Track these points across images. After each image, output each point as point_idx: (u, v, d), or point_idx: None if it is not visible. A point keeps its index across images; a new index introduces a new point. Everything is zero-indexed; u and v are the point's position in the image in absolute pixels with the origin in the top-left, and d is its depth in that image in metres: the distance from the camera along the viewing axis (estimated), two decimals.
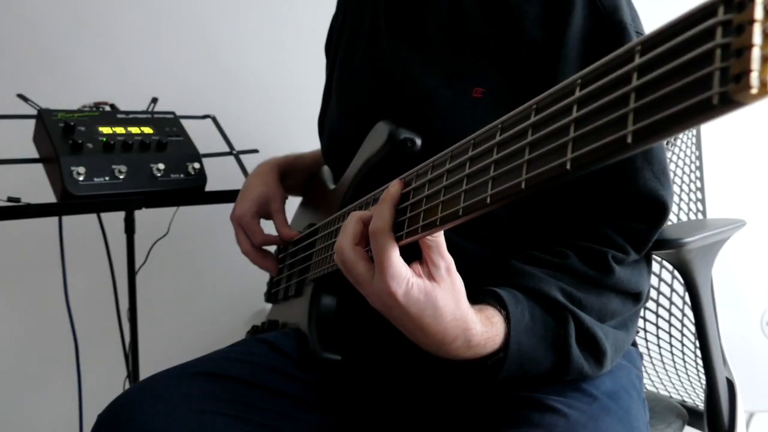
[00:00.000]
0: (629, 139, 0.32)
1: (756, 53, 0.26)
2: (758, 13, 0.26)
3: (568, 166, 0.35)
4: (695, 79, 0.28)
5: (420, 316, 0.54)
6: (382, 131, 0.70)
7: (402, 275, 0.52)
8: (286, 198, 0.98)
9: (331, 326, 0.76)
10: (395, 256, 0.52)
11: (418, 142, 0.68)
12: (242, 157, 1.26)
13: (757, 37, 0.26)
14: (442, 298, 0.54)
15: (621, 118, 0.32)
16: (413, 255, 0.55)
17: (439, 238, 0.53)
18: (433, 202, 0.50)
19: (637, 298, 0.69)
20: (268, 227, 0.96)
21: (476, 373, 0.63)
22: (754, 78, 0.26)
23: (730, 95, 0.27)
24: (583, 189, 0.68)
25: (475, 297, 0.61)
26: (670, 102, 0.29)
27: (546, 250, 0.68)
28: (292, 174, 1.00)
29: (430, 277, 0.54)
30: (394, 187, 0.55)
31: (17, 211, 0.96)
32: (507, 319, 0.60)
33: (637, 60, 0.32)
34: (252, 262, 0.95)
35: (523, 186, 0.39)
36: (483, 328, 0.58)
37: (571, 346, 0.62)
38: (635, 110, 0.32)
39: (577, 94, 0.36)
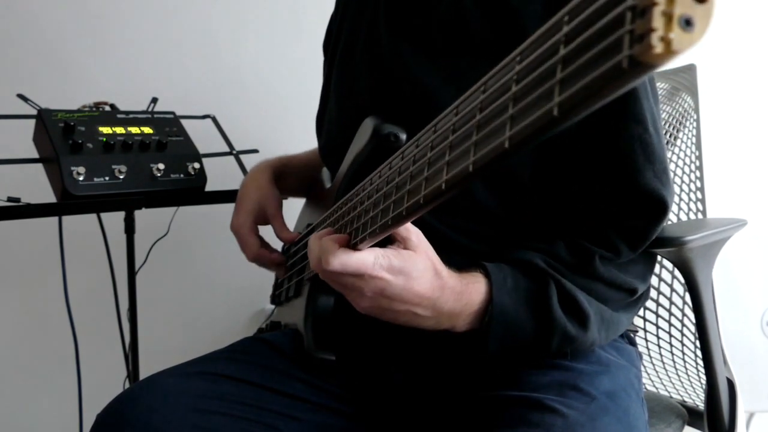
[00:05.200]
0: (555, 112, 0.31)
1: (658, 11, 0.25)
2: None
3: (506, 145, 0.35)
4: (609, 44, 0.28)
5: (410, 282, 0.57)
6: (368, 127, 0.71)
7: (378, 256, 0.56)
8: (284, 199, 0.97)
9: (327, 325, 0.76)
10: (358, 256, 0.56)
11: (403, 136, 0.69)
12: (242, 157, 1.26)
13: None
14: (421, 260, 0.58)
15: (548, 91, 0.31)
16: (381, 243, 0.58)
17: None
18: (400, 193, 0.49)
19: (627, 291, 0.70)
20: (270, 230, 0.96)
21: (468, 344, 0.65)
22: (656, 37, 0.25)
23: (637, 57, 0.26)
24: (585, 188, 0.68)
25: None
26: (589, 70, 0.29)
27: (536, 237, 0.70)
28: (286, 175, 0.99)
29: (407, 250, 0.58)
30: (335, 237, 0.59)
31: (17, 211, 0.96)
32: (489, 282, 0.63)
33: (565, 29, 0.31)
34: (261, 266, 0.95)
35: (470, 169, 0.38)
36: (461, 276, 0.63)
37: (552, 306, 0.64)
38: (560, 81, 0.31)
39: (516, 69, 0.35)
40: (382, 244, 0.58)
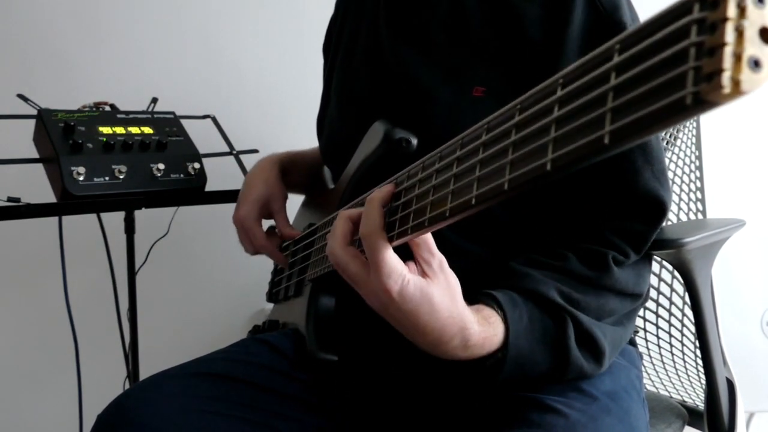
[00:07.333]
0: (606, 140, 0.31)
1: (728, 52, 0.25)
2: (731, 11, 0.26)
3: (549, 167, 0.35)
4: (670, 78, 0.28)
5: (416, 313, 0.53)
6: (378, 131, 0.71)
7: (398, 272, 0.51)
8: (287, 196, 0.97)
9: (328, 326, 0.76)
10: (389, 255, 0.51)
11: (414, 141, 0.69)
12: (242, 157, 1.26)
13: (729, 36, 0.25)
14: (437, 295, 0.53)
15: (599, 119, 0.32)
16: (405, 255, 0.54)
17: (426, 235, 0.53)
18: (422, 203, 0.49)
19: (635, 298, 0.70)
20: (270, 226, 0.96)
21: (475, 374, 0.62)
22: (726, 77, 0.25)
23: (703, 95, 0.26)
24: (585, 190, 0.68)
25: (472, 299, 0.61)
26: (646, 102, 0.29)
27: (546, 252, 0.68)
28: (293, 171, 0.99)
29: (424, 274, 0.53)
30: (383, 189, 0.55)
31: (17, 211, 0.96)
32: (505, 322, 0.60)
33: (616, 59, 0.31)
34: (265, 255, 0.95)
35: (505, 187, 0.38)
36: (480, 328, 0.57)
37: (570, 347, 0.62)
38: (612, 110, 0.31)
39: (559, 93, 0.35)
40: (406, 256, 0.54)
